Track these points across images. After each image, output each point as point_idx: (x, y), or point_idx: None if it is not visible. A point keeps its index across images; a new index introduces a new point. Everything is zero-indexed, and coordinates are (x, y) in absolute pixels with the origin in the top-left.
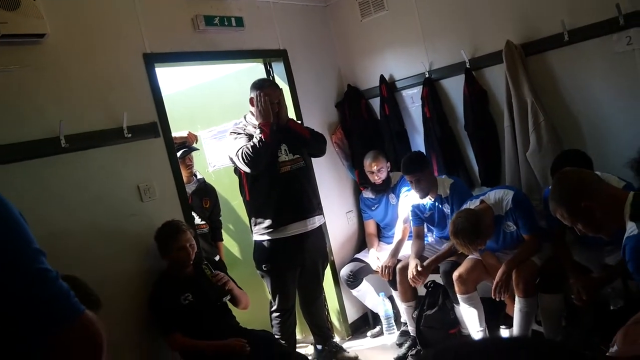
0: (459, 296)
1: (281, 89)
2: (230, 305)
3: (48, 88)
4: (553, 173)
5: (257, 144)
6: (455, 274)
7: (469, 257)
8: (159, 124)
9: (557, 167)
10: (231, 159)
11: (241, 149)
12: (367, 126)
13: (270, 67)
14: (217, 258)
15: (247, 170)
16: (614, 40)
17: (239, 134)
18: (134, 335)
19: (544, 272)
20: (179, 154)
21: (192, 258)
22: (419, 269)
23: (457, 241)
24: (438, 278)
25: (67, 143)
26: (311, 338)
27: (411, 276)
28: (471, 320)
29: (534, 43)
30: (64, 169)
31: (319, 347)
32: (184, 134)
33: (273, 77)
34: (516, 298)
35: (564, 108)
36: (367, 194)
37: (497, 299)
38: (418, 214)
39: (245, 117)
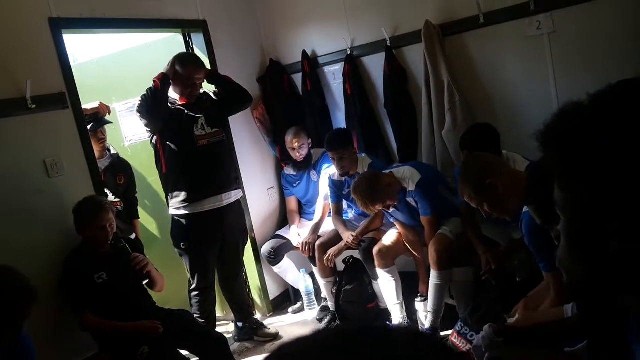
0: (378, 270)
1: (204, 67)
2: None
3: None
4: (462, 146)
5: (147, 92)
6: (375, 249)
7: (389, 232)
8: (67, 95)
9: (466, 140)
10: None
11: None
12: (289, 102)
13: (190, 38)
14: (133, 236)
15: (145, 123)
16: (526, 24)
17: None
18: (47, 314)
19: (455, 247)
20: (89, 127)
21: (110, 238)
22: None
23: (356, 197)
24: (356, 254)
25: None
26: (232, 316)
27: (350, 241)
28: (389, 293)
29: (452, 24)
30: None
31: (240, 324)
32: (95, 105)
33: (192, 48)
34: (431, 271)
35: (479, 88)
36: (289, 171)
37: None
38: (336, 190)
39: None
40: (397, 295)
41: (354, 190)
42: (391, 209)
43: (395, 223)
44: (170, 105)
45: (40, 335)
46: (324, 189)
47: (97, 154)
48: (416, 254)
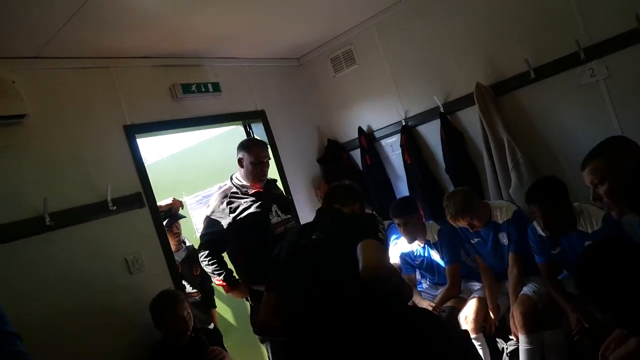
0: None
1: (268, 146)
2: None
3: (31, 167)
4: (529, 200)
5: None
6: (462, 315)
7: (470, 300)
8: (144, 194)
9: (532, 193)
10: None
11: (206, 254)
12: (350, 178)
13: (250, 128)
14: (211, 326)
15: None
16: (577, 73)
17: (222, 199)
18: None
19: (540, 308)
20: (165, 222)
21: (190, 329)
22: (433, 305)
23: (448, 203)
24: None
25: (51, 221)
26: None
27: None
28: None
29: (503, 83)
30: (49, 247)
31: None
32: (169, 201)
33: (253, 137)
34: (519, 336)
35: (539, 142)
36: None
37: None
38: (408, 261)
39: (231, 179)
40: None
41: (448, 197)
42: (475, 240)
43: (480, 268)
44: (242, 195)
45: None
46: (394, 260)
47: (173, 247)
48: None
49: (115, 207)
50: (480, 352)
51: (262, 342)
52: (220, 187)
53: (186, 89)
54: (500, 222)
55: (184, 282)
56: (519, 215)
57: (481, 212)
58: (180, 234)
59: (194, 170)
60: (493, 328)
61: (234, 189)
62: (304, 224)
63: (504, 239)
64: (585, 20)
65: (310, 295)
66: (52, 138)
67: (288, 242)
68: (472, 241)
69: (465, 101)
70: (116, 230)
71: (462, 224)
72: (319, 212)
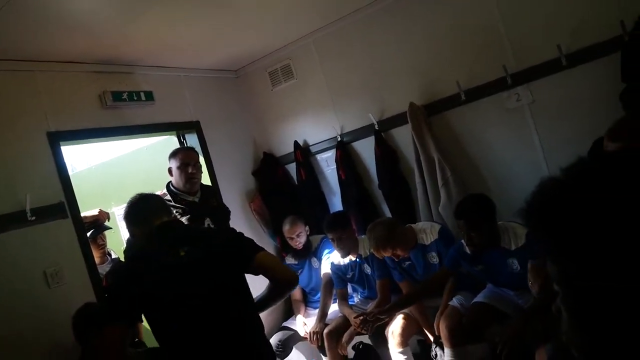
0: (392, 351)
1: (196, 152)
2: None
3: None
4: (457, 215)
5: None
6: (388, 330)
7: (400, 313)
8: (67, 204)
9: (461, 209)
10: None
11: None
12: (285, 192)
13: (184, 138)
14: (136, 340)
15: None
16: (505, 97)
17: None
18: None
19: (466, 322)
20: (89, 233)
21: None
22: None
23: (370, 235)
24: (365, 339)
25: None
26: None
27: (357, 325)
28: None
29: (435, 104)
30: None
31: None
32: (95, 212)
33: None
34: (445, 349)
35: (468, 161)
36: (290, 260)
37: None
38: (340, 275)
39: (167, 187)
40: None
41: (370, 230)
42: (406, 264)
43: (403, 287)
44: (175, 204)
45: None
46: (326, 275)
47: (97, 259)
48: (428, 332)
49: (34, 217)
50: None
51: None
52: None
53: (117, 96)
54: (427, 243)
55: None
56: (444, 233)
57: (405, 239)
58: (106, 246)
59: (125, 180)
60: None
61: (167, 197)
62: (151, 243)
63: (433, 259)
64: (512, 47)
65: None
66: None
67: (145, 266)
68: (403, 265)
69: (399, 119)
70: (35, 242)
71: (386, 254)
72: (160, 228)
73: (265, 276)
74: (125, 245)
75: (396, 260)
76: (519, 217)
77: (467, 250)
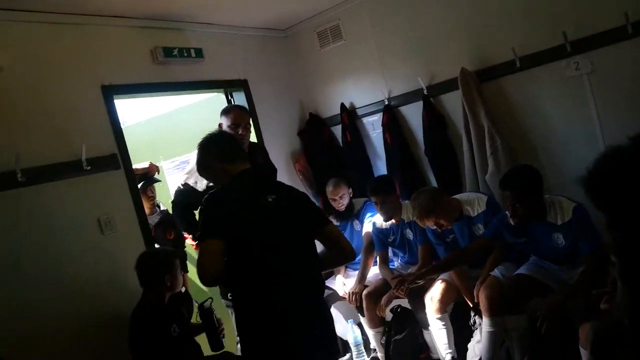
0: (430, 317)
1: (248, 112)
2: None
3: (3, 121)
4: (503, 186)
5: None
6: (427, 296)
7: (440, 279)
8: (119, 156)
9: (507, 181)
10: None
11: (179, 212)
12: (329, 153)
13: (231, 96)
14: (183, 289)
15: None
16: (563, 66)
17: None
18: None
19: (507, 292)
20: (140, 185)
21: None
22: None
23: (414, 204)
24: (404, 303)
25: (23, 177)
26: None
27: (397, 289)
28: (441, 342)
29: (488, 70)
30: (20, 203)
31: None
32: (146, 165)
33: (235, 103)
34: (483, 318)
35: (519, 131)
36: (332, 222)
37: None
38: (381, 238)
39: None
40: (450, 344)
41: (414, 198)
42: (450, 237)
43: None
44: None
45: None
46: (367, 238)
47: (147, 210)
48: (468, 299)
49: (89, 167)
50: (444, 332)
51: (228, 307)
52: None
53: (168, 52)
54: (474, 214)
55: (156, 246)
56: (492, 204)
57: (449, 210)
58: (155, 198)
59: (173, 136)
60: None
61: None
62: (245, 182)
63: (479, 231)
64: (574, 13)
65: (282, 252)
66: (26, 93)
67: (238, 200)
68: (447, 239)
69: (449, 85)
70: (90, 190)
71: (429, 224)
72: (247, 172)
73: (330, 245)
74: (173, 196)
75: (439, 230)
76: (579, 184)
77: (511, 222)
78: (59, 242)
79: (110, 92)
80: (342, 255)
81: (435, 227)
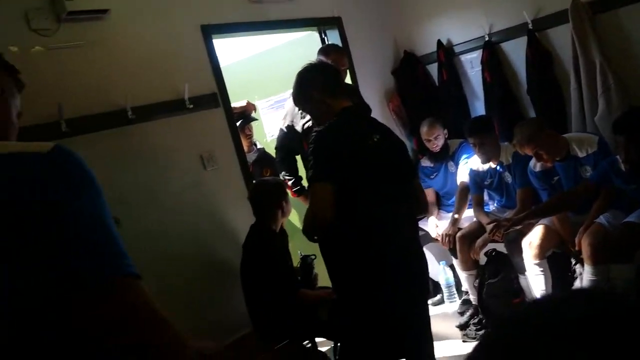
0: (528, 263)
1: (346, 54)
2: None
3: (113, 62)
4: (617, 130)
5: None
6: (525, 240)
7: (540, 224)
8: (219, 94)
9: (622, 124)
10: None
11: (279, 158)
12: (424, 93)
13: (325, 35)
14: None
15: None
16: None
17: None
18: (205, 289)
19: (613, 241)
20: (238, 123)
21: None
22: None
23: (517, 130)
24: (499, 247)
25: (133, 115)
26: None
27: (490, 232)
28: (538, 288)
29: (603, 0)
30: (131, 140)
31: None
32: (243, 103)
33: (334, 44)
34: (585, 266)
35: (636, 68)
36: (426, 163)
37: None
38: (477, 180)
39: None
40: (547, 289)
41: (517, 126)
42: (554, 179)
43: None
44: None
45: (197, 307)
46: (462, 179)
47: (245, 148)
48: (570, 245)
49: (192, 106)
50: (542, 278)
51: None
52: None
53: None
54: (582, 155)
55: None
56: (603, 145)
57: (553, 144)
58: (252, 136)
59: (267, 75)
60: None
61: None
62: (350, 120)
63: (587, 173)
64: None
65: (386, 195)
66: (133, 35)
67: (347, 140)
68: (552, 182)
69: (557, 18)
70: (192, 128)
71: (528, 151)
72: (352, 109)
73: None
74: (268, 137)
75: (538, 162)
76: None
77: (622, 167)
78: (164, 176)
79: (209, 31)
80: (420, 208)
81: (540, 173)
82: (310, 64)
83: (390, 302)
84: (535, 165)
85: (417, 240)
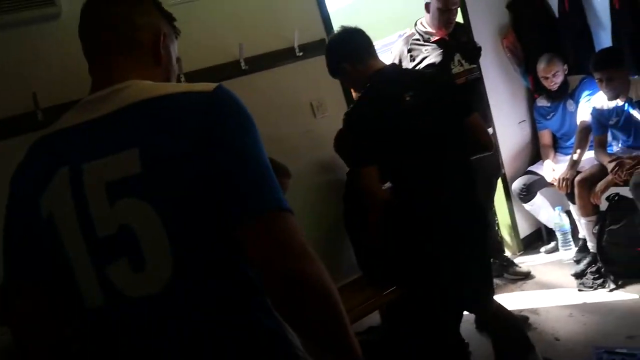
0: None
1: None
2: None
3: (225, 14)
4: None
5: None
6: None
7: None
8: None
9: None
10: None
11: None
12: (542, 26)
13: None
14: None
15: None
16: None
17: (404, 46)
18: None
19: None
20: None
21: None
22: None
23: None
24: (623, 191)
25: (246, 65)
26: None
27: (615, 173)
28: None
29: None
30: (245, 90)
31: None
32: None
33: None
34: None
35: None
36: (542, 102)
37: None
38: (601, 120)
39: (415, 24)
40: None
41: None
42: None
43: None
44: (424, 43)
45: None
46: (583, 119)
47: (354, 95)
48: None
49: (301, 53)
50: None
51: None
52: (401, 35)
53: None
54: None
55: None
56: None
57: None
58: None
59: (374, 19)
60: None
61: (416, 36)
62: (380, 86)
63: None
64: None
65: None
66: None
67: (377, 113)
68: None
69: None
70: (302, 76)
71: None
72: (383, 72)
73: (469, 135)
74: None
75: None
76: None
77: None
78: (276, 125)
79: None
80: (477, 147)
81: None
82: (333, 34)
83: (439, 258)
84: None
85: (471, 192)
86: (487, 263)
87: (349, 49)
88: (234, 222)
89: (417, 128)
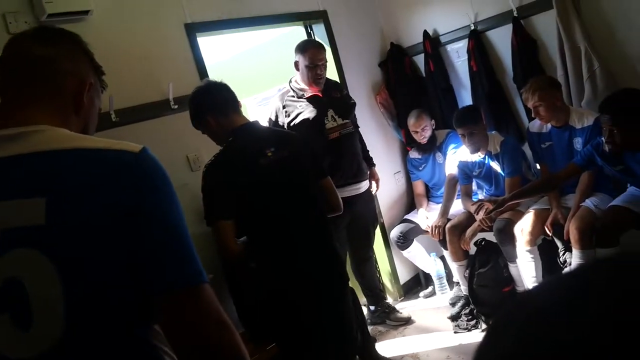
0: (520, 250)
1: (325, 49)
2: None
3: None
4: (604, 109)
5: None
6: (517, 227)
7: (530, 210)
8: None
9: (608, 104)
10: None
11: None
12: (411, 84)
13: (311, 29)
14: None
15: None
16: None
17: (279, 102)
18: None
19: (600, 225)
20: None
21: None
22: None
23: (531, 80)
24: (488, 236)
25: (117, 117)
26: (364, 300)
27: (482, 217)
28: (529, 275)
29: None
30: None
31: (372, 308)
32: None
33: (310, 39)
34: (573, 250)
35: (620, 53)
36: (414, 154)
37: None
38: (466, 171)
39: (290, 81)
40: (537, 277)
41: (535, 78)
42: (546, 144)
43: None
44: (298, 99)
45: None
46: (451, 170)
47: None
48: (561, 221)
49: (177, 106)
50: (533, 265)
51: None
52: (280, 90)
53: None
54: (578, 127)
55: None
56: (598, 123)
57: (556, 107)
58: None
59: (254, 73)
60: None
61: (291, 93)
62: (241, 141)
63: (578, 144)
64: None
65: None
66: (115, 35)
67: (237, 167)
68: (542, 145)
69: (542, 4)
70: (178, 128)
71: (530, 102)
72: (245, 128)
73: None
74: None
75: (533, 115)
76: None
77: (606, 148)
78: None
79: (193, 30)
80: (329, 207)
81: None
82: (197, 87)
83: (299, 312)
84: (533, 125)
85: (328, 246)
86: (347, 315)
87: (213, 103)
88: (157, 291)
89: (276, 182)
